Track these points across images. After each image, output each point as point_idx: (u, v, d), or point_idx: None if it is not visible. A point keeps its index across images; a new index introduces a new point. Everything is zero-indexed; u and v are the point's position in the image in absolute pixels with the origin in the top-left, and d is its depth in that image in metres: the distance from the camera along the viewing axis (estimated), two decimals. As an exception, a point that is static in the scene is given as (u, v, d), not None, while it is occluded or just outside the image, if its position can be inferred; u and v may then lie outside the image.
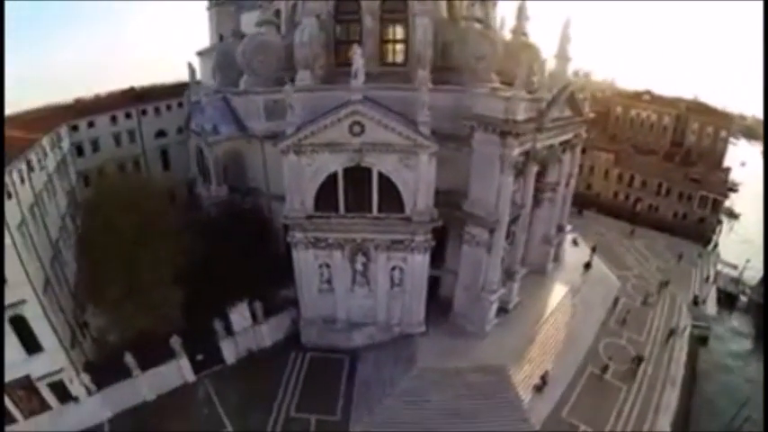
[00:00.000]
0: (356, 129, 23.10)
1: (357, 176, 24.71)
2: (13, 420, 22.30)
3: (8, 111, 40.20)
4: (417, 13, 25.55)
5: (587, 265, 37.79)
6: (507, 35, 33.23)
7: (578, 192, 57.38)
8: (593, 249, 40.81)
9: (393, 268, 27.33)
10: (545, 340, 29.75)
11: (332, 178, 24.84)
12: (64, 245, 28.79)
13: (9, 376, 21.22)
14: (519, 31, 32.04)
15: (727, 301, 41.20)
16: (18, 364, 21.39)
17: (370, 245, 26.50)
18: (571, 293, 34.36)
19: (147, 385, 26.04)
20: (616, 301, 34.98)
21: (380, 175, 24.53)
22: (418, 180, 24.20)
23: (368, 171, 24.50)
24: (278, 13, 32.61)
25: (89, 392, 24.33)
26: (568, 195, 36.64)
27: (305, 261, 27.28)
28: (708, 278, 41.90)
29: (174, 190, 44.30)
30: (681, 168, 53.25)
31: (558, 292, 34.04)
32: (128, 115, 41.59)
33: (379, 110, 23.22)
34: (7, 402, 21.92)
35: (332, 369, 28.23)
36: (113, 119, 40.63)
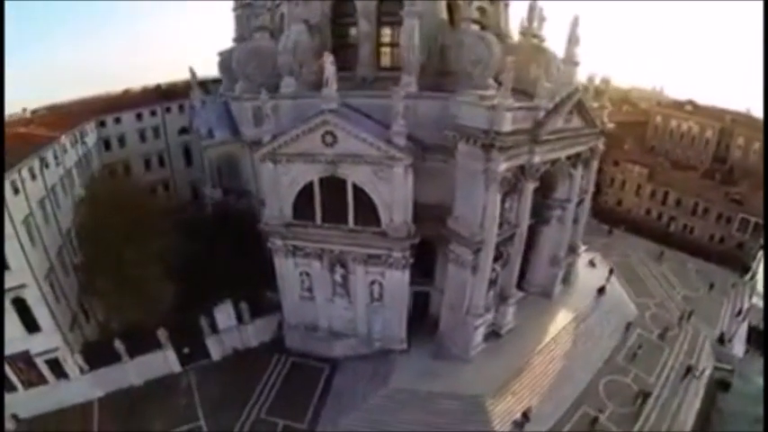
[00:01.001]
0: (329, 139, 22.44)
1: (334, 187, 24.08)
2: (14, 389, 24.94)
3: (53, 101, 45.06)
4: (405, 15, 24.10)
5: (601, 290, 34.34)
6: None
7: (608, 208, 53.28)
8: (611, 272, 37.02)
9: (372, 282, 26.51)
10: (537, 372, 27.37)
11: (309, 187, 24.47)
12: (76, 235, 31.08)
13: (11, 350, 23.83)
14: (529, 33, 29.46)
15: (758, 340, 35.48)
16: (19, 340, 23.93)
17: (347, 257, 25.88)
18: (576, 321, 31.40)
19: (135, 371, 27.64)
20: (628, 332, 31.52)
21: (356, 186, 23.75)
22: (393, 193, 23.09)
23: (344, 182, 23.81)
24: (283, 17, 32.59)
25: (82, 372, 26.40)
26: (582, 213, 33.41)
27: (285, 268, 27.28)
28: (739, 312, 36.52)
29: (196, 185, 46.87)
30: (721, 187, 47.23)
31: (561, 319, 31.20)
32: (153, 112, 44.15)
33: (351, 119, 22.40)
34: (9, 372, 24.49)
35: (310, 376, 28.16)
36: (139, 116, 43.30)
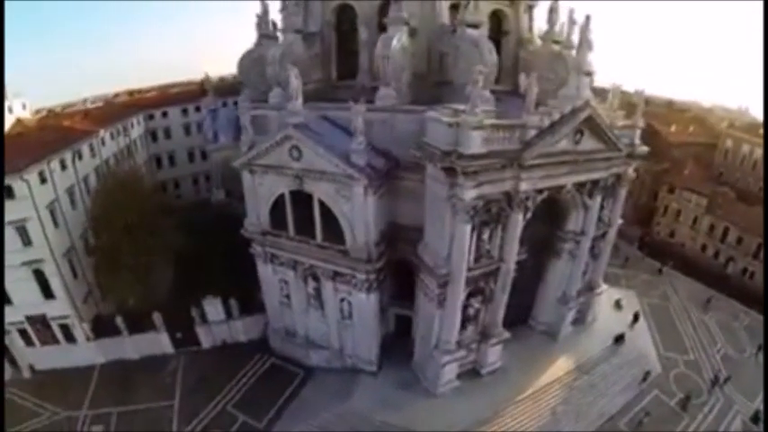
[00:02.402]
0: (295, 153, 21.97)
1: (304, 201, 23.69)
2: (32, 344, 29.40)
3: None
4: (389, 22, 22.32)
5: (619, 338, 29.40)
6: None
7: (659, 239, 45.21)
8: (636, 317, 31.42)
9: (342, 299, 25.80)
10: (513, 423, 24.44)
11: (282, 199, 24.37)
12: (89, 220, 33.95)
13: (33, 311, 28.20)
14: (549, 38, 25.68)
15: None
16: (38, 304, 28.18)
17: (318, 271, 25.45)
18: (580, 370, 27.37)
19: (132, 346, 30.66)
20: (642, 392, 26.62)
21: (324, 203, 23.08)
22: (354, 213, 21.95)
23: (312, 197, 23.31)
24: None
25: (88, 339, 29.99)
26: (604, 248, 28.86)
27: (265, 273, 27.73)
28: (788, 384, 28.42)
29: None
30: (793, 227, 36.89)
31: (562, 366, 27.44)
32: (197, 108, 47.69)
33: (319, 134, 21.59)
34: (30, 331, 28.89)
35: (284, 379, 28.63)
36: (184, 111, 47.11)
